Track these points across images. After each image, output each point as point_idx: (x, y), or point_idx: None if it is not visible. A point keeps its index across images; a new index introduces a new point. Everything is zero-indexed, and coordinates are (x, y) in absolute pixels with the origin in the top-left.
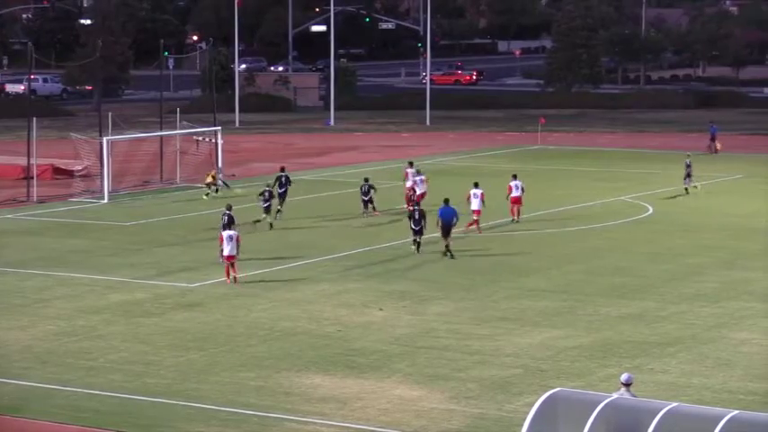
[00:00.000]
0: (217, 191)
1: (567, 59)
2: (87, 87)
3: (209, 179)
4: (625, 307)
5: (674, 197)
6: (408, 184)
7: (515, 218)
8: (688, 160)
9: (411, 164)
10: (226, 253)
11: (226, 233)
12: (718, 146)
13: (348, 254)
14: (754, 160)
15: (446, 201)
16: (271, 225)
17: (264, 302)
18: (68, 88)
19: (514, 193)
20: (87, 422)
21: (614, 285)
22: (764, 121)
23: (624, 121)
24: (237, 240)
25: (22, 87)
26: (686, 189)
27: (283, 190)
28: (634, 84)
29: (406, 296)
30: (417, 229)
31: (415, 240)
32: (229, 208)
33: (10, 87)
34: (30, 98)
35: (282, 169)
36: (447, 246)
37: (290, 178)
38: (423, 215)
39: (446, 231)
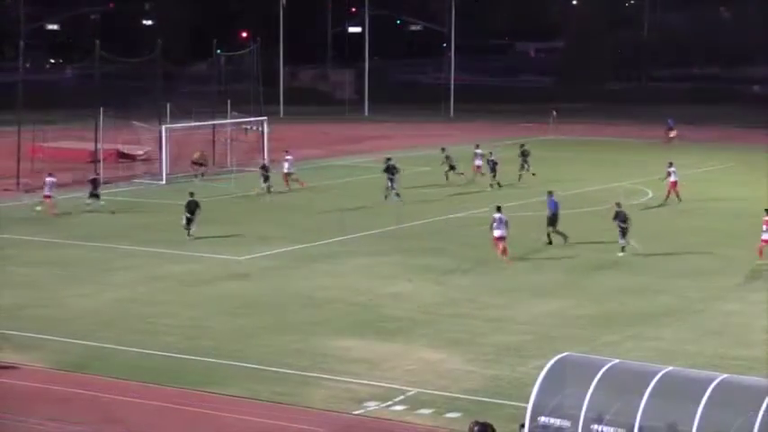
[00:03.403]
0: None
1: (578, 58)
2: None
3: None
4: (627, 281)
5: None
6: (672, 179)
7: (673, 199)
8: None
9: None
10: (496, 234)
11: (497, 215)
12: (673, 134)
13: (382, 231)
14: (745, 151)
15: (550, 193)
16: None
17: (305, 274)
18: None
19: (672, 178)
20: (145, 378)
21: (618, 262)
22: (754, 115)
23: (628, 115)
24: (506, 223)
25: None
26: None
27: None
28: (637, 81)
29: (431, 269)
30: (625, 226)
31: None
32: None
33: None
34: (97, 89)
35: (388, 159)
36: (548, 233)
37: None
38: (626, 216)
39: (551, 221)
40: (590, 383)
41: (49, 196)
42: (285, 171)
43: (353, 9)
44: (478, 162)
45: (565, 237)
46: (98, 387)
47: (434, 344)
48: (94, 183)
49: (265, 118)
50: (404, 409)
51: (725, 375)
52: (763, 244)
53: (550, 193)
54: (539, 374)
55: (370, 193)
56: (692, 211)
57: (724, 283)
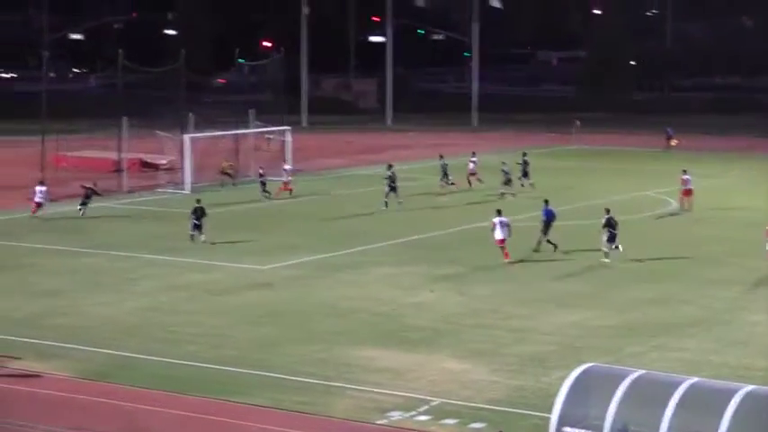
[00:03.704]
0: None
1: (601, 68)
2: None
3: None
4: (650, 291)
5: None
6: (687, 186)
7: (686, 207)
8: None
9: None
10: (498, 237)
11: (496, 219)
12: (674, 143)
13: (404, 240)
14: (767, 160)
15: (546, 202)
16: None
17: (328, 283)
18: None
19: (687, 186)
20: (168, 387)
21: (641, 271)
22: None
23: (651, 125)
24: (509, 226)
25: (223, 81)
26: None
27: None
28: (661, 91)
29: (453, 279)
30: (614, 233)
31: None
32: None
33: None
34: (121, 98)
35: (390, 166)
36: (548, 240)
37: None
38: (615, 223)
39: (545, 229)
40: (614, 394)
41: (39, 203)
42: (284, 179)
43: (376, 18)
44: (472, 168)
45: (542, 246)
46: (121, 396)
47: (458, 354)
48: (87, 192)
49: (288, 127)
50: (428, 420)
51: (750, 386)
52: None
53: (546, 202)
54: (563, 385)
55: (392, 202)
56: (714, 221)
57: (747, 293)
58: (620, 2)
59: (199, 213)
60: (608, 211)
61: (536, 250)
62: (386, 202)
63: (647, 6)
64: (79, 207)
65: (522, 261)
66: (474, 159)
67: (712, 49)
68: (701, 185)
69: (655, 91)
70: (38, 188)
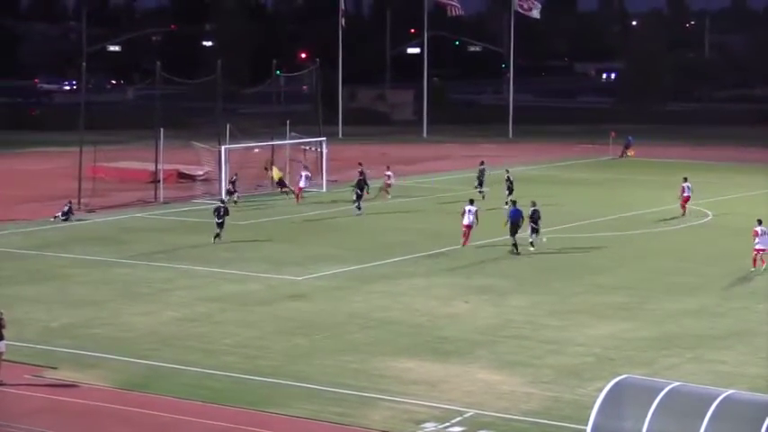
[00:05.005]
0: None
1: (638, 79)
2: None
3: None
4: (686, 303)
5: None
6: (686, 194)
7: (683, 214)
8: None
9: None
10: (465, 223)
11: (467, 207)
12: (631, 153)
13: (438, 252)
14: None
15: (514, 202)
16: None
17: (362, 295)
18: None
19: (686, 194)
20: (205, 398)
21: (677, 283)
22: None
23: (688, 136)
24: (476, 214)
25: (304, 87)
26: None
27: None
28: (698, 102)
29: (488, 290)
30: (536, 227)
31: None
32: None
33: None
34: (158, 109)
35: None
36: (514, 243)
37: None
38: (539, 216)
39: (513, 230)
40: (649, 406)
41: None
42: (300, 185)
43: (413, 30)
44: (388, 181)
45: (516, 250)
46: (158, 406)
47: (493, 365)
48: (67, 210)
49: (324, 139)
50: (462, 431)
51: None
52: (756, 253)
53: (514, 203)
54: (598, 397)
55: (425, 213)
56: (749, 233)
57: None
58: (657, 13)
59: (221, 212)
60: (534, 203)
61: (516, 250)
62: (359, 207)
63: (685, 18)
64: (57, 216)
65: (556, 272)
66: (389, 173)
67: (750, 60)
68: (739, 197)
69: (692, 102)
70: None
